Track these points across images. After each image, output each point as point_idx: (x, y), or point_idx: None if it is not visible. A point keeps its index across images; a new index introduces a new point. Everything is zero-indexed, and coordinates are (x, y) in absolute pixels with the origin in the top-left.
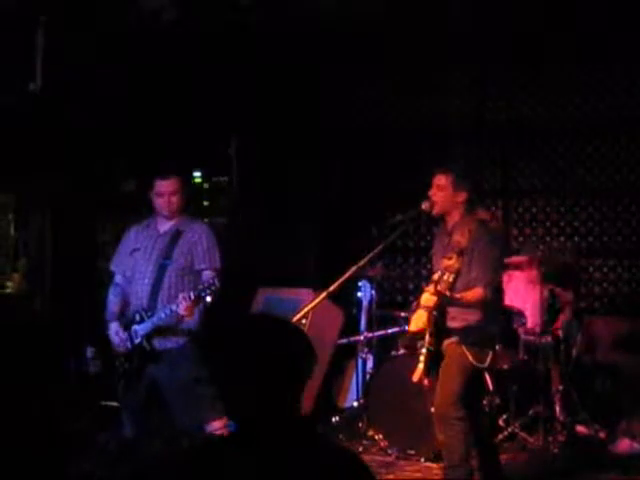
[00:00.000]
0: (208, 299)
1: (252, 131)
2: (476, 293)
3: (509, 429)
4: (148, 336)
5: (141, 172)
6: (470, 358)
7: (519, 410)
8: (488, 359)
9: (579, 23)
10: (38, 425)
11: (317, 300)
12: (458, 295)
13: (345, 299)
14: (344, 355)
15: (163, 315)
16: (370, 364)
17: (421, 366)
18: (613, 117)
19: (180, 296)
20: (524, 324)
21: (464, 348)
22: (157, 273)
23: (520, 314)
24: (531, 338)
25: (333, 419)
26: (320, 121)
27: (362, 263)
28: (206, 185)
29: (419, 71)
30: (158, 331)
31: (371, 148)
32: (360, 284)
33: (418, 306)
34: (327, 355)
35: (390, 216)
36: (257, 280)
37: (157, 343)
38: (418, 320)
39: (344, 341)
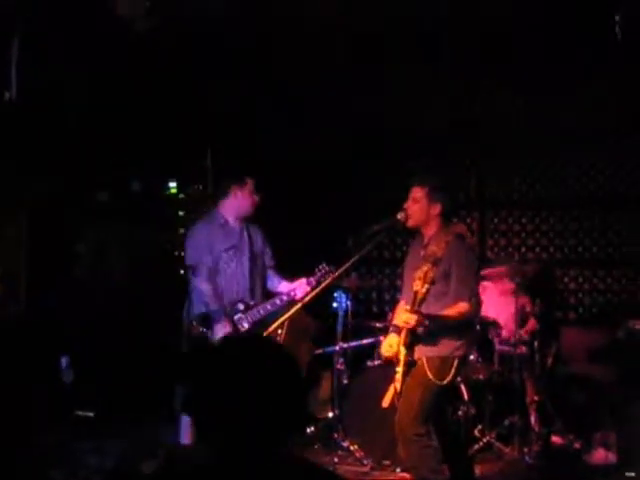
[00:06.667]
0: None
1: (228, 142)
2: (462, 308)
3: (484, 439)
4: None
5: (116, 182)
6: (429, 375)
7: (494, 420)
8: (449, 377)
9: (549, 23)
10: (14, 432)
11: (292, 310)
12: (444, 313)
13: (321, 310)
14: (320, 365)
15: (279, 302)
16: (346, 375)
17: (398, 385)
18: (591, 128)
19: (300, 282)
20: (499, 335)
21: (425, 365)
22: (250, 270)
23: (495, 324)
24: (506, 348)
25: (308, 429)
26: (292, 132)
27: (337, 273)
28: (181, 195)
29: (397, 80)
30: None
31: (345, 158)
32: (336, 295)
33: (393, 326)
34: (302, 365)
35: (366, 226)
36: None
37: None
38: (390, 346)
39: (319, 351)
